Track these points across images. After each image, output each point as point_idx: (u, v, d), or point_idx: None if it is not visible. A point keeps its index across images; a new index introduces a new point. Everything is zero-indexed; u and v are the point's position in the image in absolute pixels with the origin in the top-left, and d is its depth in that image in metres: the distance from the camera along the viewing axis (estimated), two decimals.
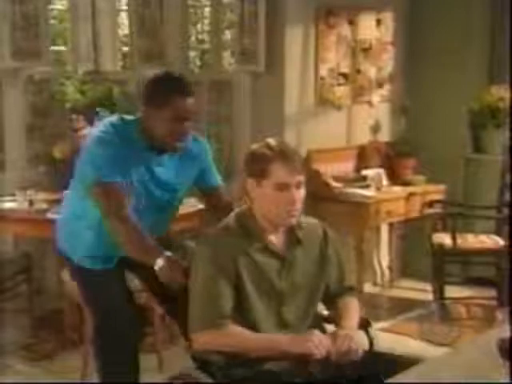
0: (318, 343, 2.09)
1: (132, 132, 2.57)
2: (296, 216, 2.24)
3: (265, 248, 2.23)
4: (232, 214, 2.31)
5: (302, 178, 2.21)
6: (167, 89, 2.51)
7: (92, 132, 2.67)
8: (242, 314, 2.19)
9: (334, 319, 2.34)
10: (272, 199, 2.19)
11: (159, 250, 2.44)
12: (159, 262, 2.37)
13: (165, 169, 2.62)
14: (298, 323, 2.27)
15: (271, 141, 2.27)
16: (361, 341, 2.23)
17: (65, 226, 2.76)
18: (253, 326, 2.19)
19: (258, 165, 2.20)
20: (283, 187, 2.17)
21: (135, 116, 2.62)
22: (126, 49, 4.90)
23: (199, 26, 5.23)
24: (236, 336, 2.16)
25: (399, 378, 1.86)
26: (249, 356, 2.14)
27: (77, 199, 2.67)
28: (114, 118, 2.63)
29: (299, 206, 2.22)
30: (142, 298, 3.18)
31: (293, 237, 2.28)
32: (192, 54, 5.12)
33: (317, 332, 2.17)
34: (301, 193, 2.22)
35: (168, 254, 2.41)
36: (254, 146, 2.28)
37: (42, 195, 3.93)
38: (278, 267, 2.24)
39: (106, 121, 2.62)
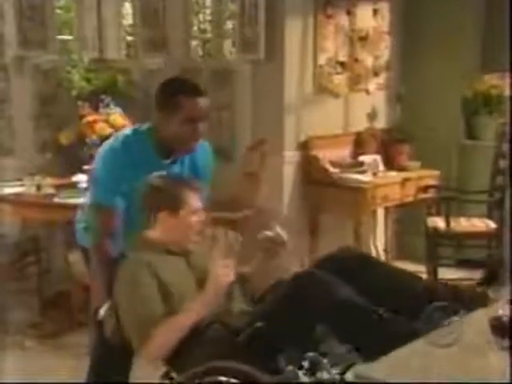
0: (226, 269, 2.27)
1: (145, 142, 2.58)
2: None
3: (168, 253, 2.43)
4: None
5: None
6: (176, 91, 2.53)
7: (104, 144, 2.68)
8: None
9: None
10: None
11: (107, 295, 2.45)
12: (101, 312, 2.44)
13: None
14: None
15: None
16: None
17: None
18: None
19: (172, 198, 2.39)
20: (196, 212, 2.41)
21: (148, 124, 2.63)
22: (130, 38, 4.97)
23: (201, 16, 5.28)
24: (171, 325, 2.25)
25: (392, 354, 1.92)
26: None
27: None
28: (127, 131, 2.65)
29: None
30: None
31: None
32: (194, 43, 5.17)
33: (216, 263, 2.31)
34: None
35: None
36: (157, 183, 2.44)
37: (49, 180, 4.01)
38: (184, 263, 2.43)
39: (120, 133, 2.64)
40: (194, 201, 2.42)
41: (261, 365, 2.07)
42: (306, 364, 2.06)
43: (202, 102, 2.53)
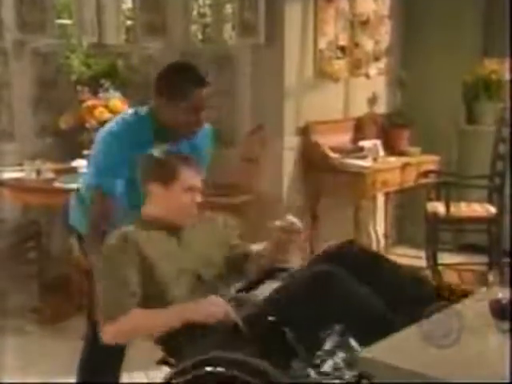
0: (216, 307, 2.17)
1: (145, 125, 2.56)
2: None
3: (160, 229, 2.37)
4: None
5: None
6: (185, 80, 2.51)
7: (103, 128, 2.64)
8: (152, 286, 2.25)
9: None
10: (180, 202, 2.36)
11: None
12: None
13: None
14: (212, 277, 2.40)
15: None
16: None
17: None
18: (164, 292, 2.26)
19: (166, 170, 2.36)
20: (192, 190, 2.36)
21: (147, 108, 2.61)
22: (129, 22, 4.97)
23: (200, 0, 5.27)
24: (137, 319, 2.19)
25: (400, 333, 1.93)
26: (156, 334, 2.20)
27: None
28: (127, 113, 2.62)
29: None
30: None
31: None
32: (193, 27, 5.15)
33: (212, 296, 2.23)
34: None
35: None
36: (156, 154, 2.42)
37: (49, 165, 4.02)
38: (176, 241, 2.38)
39: (119, 116, 2.62)
40: (189, 177, 2.36)
41: (271, 359, 2.01)
42: (318, 362, 2.02)
43: (207, 91, 2.52)
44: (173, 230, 2.39)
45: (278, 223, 2.42)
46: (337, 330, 2.05)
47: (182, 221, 2.40)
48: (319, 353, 2.03)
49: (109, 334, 2.21)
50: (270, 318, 2.10)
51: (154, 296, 2.24)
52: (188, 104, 2.48)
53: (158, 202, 2.38)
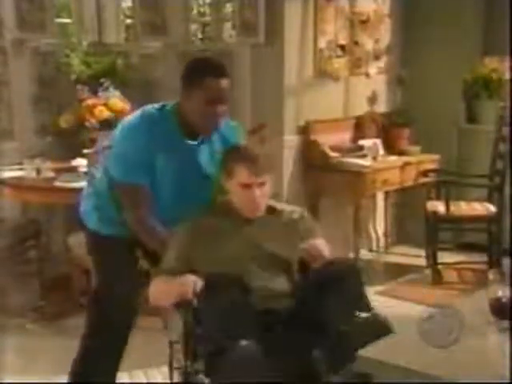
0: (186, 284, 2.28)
1: (169, 119, 2.52)
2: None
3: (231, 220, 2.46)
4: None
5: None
6: (199, 71, 2.48)
7: (125, 120, 2.61)
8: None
9: None
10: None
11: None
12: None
13: (200, 156, 2.58)
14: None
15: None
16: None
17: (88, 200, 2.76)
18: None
19: (225, 165, 2.43)
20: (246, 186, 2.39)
21: (174, 103, 2.56)
22: (129, 21, 4.96)
23: None
24: (152, 286, 2.41)
25: (399, 332, 1.96)
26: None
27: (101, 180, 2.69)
28: (152, 106, 2.57)
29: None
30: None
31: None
32: (193, 26, 5.15)
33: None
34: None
35: None
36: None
37: (48, 164, 4.00)
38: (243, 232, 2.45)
39: (143, 109, 2.57)
40: (243, 175, 2.38)
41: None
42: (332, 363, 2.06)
43: (225, 83, 2.47)
44: (242, 221, 2.44)
45: (305, 247, 2.53)
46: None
47: (247, 214, 2.44)
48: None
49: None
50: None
51: None
52: (203, 95, 2.44)
53: (230, 193, 2.45)
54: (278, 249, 2.45)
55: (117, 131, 2.57)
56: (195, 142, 2.57)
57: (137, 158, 2.47)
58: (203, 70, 2.47)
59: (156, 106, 2.58)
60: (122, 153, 2.52)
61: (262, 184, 2.40)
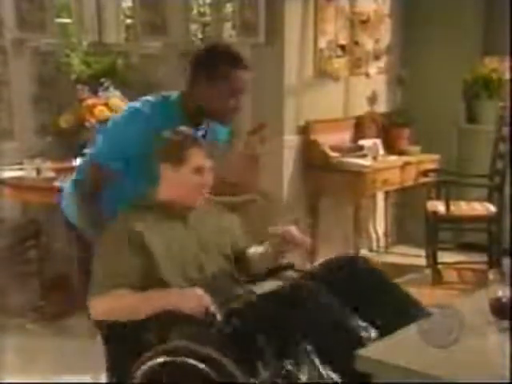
0: (198, 299, 2.16)
1: (173, 111, 2.48)
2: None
3: (167, 215, 2.36)
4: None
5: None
6: (226, 61, 2.43)
7: (131, 104, 2.57)
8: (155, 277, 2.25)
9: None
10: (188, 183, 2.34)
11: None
12: None
13: None
14: (216, 267, 2.40)
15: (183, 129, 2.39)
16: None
17: None
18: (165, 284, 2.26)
19: (175, 152, 2.32)
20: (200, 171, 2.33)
21: (178, 93, 2.53)
22: (129, 21, 4.96)
23: None
24: (124, 297, 2.19)
25: (398, 332, 1.94)
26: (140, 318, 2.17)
27: None
28: (156, 98, 2.52)
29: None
30: None
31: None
32: (193, 26, 5.15)
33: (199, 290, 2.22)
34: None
35: None
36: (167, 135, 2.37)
37: (49, 164, 4.02)
38: (181, 225, 2.38)
39: (149, 98, 2.52)
40: (198, 158, 2.33)
41: (237, 359, 2.01)
42: (283, 372, 2.02)
43: (248, 74, 2.47)
44: (181, 213, 2.38)
45: (279, 232, 2.46)
46: (303, 348, 2.05)
47: (191, 203, 2.38)
48: (287, 362, 2.03)
49: (95, 308, 2.22)
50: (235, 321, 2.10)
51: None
52: (228, 86, 2.42)
53: (168, 184, 2.36)
54: (219, 238, 2.43)
55: (122, 112, 2.53)
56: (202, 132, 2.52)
57: (125, 144, 2.41)
58: (231, 61, 2.44)
59: (157, 96, 2.54)
60: (112, 132, 2.48)
61: (210, 169, 2.37)
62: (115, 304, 2.20)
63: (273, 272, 2.54)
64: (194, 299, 2.16)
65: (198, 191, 2.37)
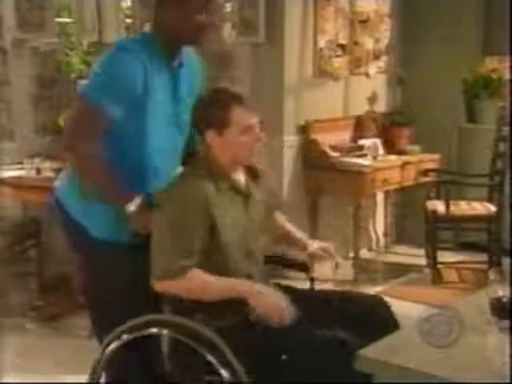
0: (279, 309, 2.08)
1: (152, 43, 2.30)
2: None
3: (230, 187, 2.25)
4: (193, 161, 2.31)
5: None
6: None
7: (116, 44, 2.39)
8: (214, 252, 2.18)
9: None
10: (237, 144, 2.20)
11: (130, 192, 2.24)
12: (131, 207, 2.21)
13: (182, 82, 2.36)
14: (260, 254, 2.34)
15: (220, 88, 2.28)
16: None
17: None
18: (224, 261, 2.20)
19: (219, 114, 2.18)
20: (247, 130, 2.20)
21: (149, 29, 2.38)
22: (128, 21, 4.96)
23: None
24: (198, 280, 2.12)
25: (399, 332, 1.96)
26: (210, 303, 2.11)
27: None
28: (133, 38, 2.42)
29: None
30: None
31: (251, 173, 2.34)
32: None
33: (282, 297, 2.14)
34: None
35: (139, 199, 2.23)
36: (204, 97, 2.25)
37: (48, 163, 4.00)
38: (242, 204, 2.28)
39: (129, 38, 2.44)
40: (244, 117, 2.19)
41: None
42: None
43: None
44: (238, 187, 2.27)
45: (310, 249, 2.40)
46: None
47: (245, 162, 2.28)
48: None
49: (160, 288, 2.15)
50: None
51: (212, 262, 2.17)
52: (191, 2, 2.23)
53: (217, 151, 2.22)
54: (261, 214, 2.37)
55: (108, 53, 2.31)
56: (176, 64, 2.35)
57: (124, 82, 2.20)
58: None
59: (134, 37, 2.41)
60: (100, 70, 2.24)
61: (258, 124, 2.23)
62: (184, 287, 2.12)
63: (284, 263, 2.53)
64: (276, 309, 2.08)
65: (250, 151, 2.24)
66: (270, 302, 2.08)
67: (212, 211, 2.16)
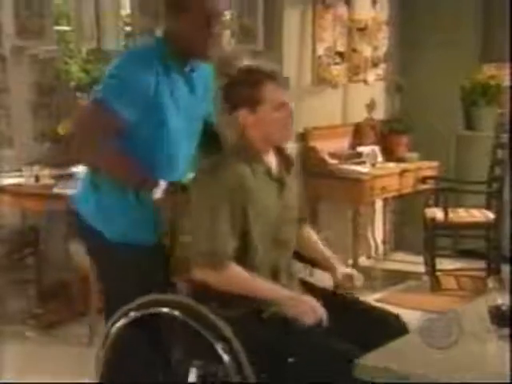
0: (311, 310, 2.08)
1: (160, 51, 2.30)
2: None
3: (266, 172, 2.22)
4: (227, 145, 2.31)
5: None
6: None
7: (125, 52, 2.48)
8: (245, 236, 2.15)
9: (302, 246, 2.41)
10: (271, 121, 2.15)
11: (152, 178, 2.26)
12: (158, 192, 2.22)
13: (197, 83, 2.37)
14: (291, 244, 2.31)
15: (252, 65, 2.23)
16: None
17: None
18: (254, 248, 2.16)
19: (251, 92, 2.13)
20: (281, 107, 2.16)
21: (160, 35, 2.39)
22: (128, 28, 4.96)
23: None
24: (237, 277, 2.11)
25: (398, 341, 1.95)
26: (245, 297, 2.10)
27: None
28: (142, 43, 2.41)
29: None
30: None
31: (284, 158, 2.32)
32: None
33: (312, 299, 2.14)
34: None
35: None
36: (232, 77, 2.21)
37: (47, 171, 4.00)
38: (276, 190, 2.26)
39: (138, 44, 2.46)
40: (277, 94, 2.13)
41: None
42: None
43: (223, 3, 2.33)
44: (272, 172, 2.23)
45: (337, 277, 2.35)
46: None
47: (280, 142, 2.24)
48: None
49: (200, 277, 2.12)
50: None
51: (240, 251, 2.14)
52: (200, 12, 2.24)
53: (250, 129, 2.17)
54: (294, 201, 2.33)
55: (117, 60, 2.34)
56: (187, 70, 2.36)
57: (138, 85, 2.21)
58: None
59: (142, 43, 2.50)
60: (119, 75, 2.25)
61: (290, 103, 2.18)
62: (224, 279, 2.10)
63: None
64: (310, 310, 2.08)
65: (284, 128, 2.20)
66: (304, 308, 2.08)
67: (249, 195, 2.13)
